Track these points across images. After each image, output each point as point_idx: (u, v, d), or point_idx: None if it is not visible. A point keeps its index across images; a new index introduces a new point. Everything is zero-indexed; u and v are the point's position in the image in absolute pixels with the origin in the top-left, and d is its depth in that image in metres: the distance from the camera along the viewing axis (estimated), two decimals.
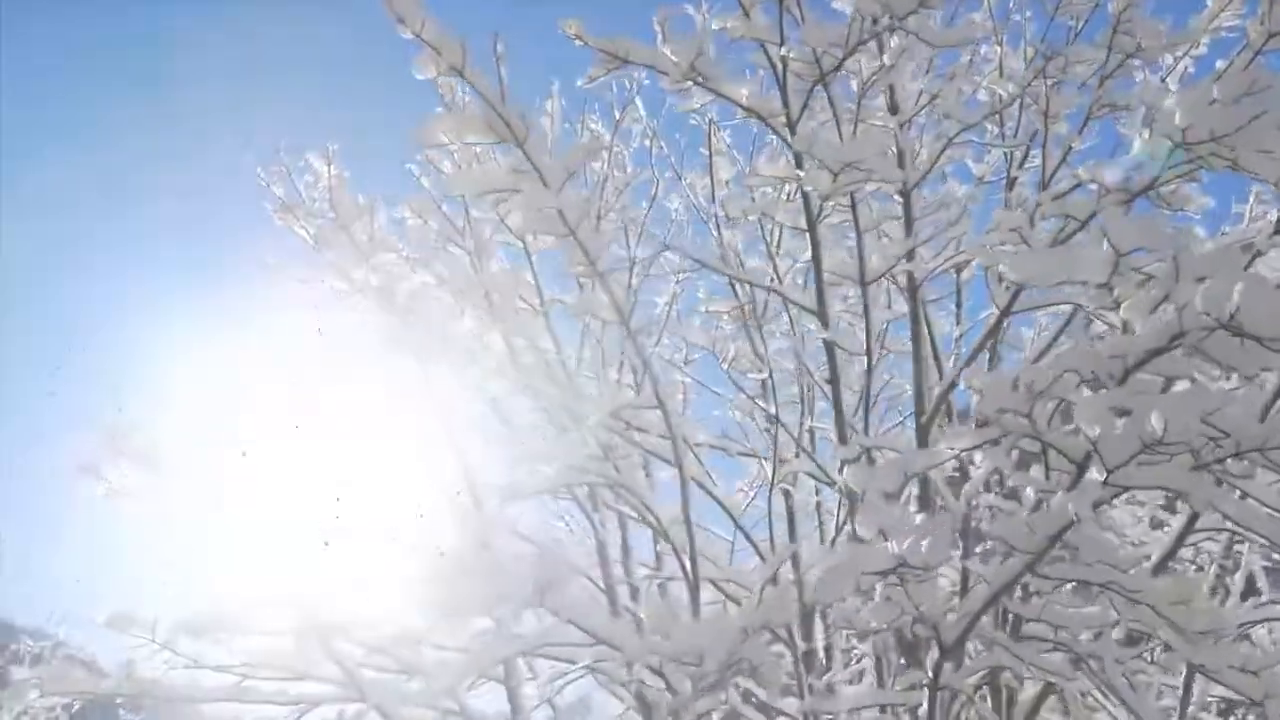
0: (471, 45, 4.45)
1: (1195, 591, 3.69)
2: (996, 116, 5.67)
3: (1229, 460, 3.14)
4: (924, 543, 3.40)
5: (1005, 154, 5.93)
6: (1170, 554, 4.67)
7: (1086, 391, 3.33)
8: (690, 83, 4.64)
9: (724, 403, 6.82)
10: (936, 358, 5.99)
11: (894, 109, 5.69)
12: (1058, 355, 3.54)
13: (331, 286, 6.13)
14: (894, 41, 4.76)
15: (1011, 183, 5.90)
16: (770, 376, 6.23)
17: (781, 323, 6.27)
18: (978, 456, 4.09)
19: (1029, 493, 4.59)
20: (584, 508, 5.97)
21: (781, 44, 4.74)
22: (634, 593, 5.95)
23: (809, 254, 5.22)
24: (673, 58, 4.57)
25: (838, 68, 4.72)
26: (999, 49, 5.78)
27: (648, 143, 7.00)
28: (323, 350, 6.02)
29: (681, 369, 6.92)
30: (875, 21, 4.46)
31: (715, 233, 6.21)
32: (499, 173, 4.93)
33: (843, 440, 5.54)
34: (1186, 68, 5.30)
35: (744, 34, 4.73)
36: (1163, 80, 5.25)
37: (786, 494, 6.24)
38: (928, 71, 5.66)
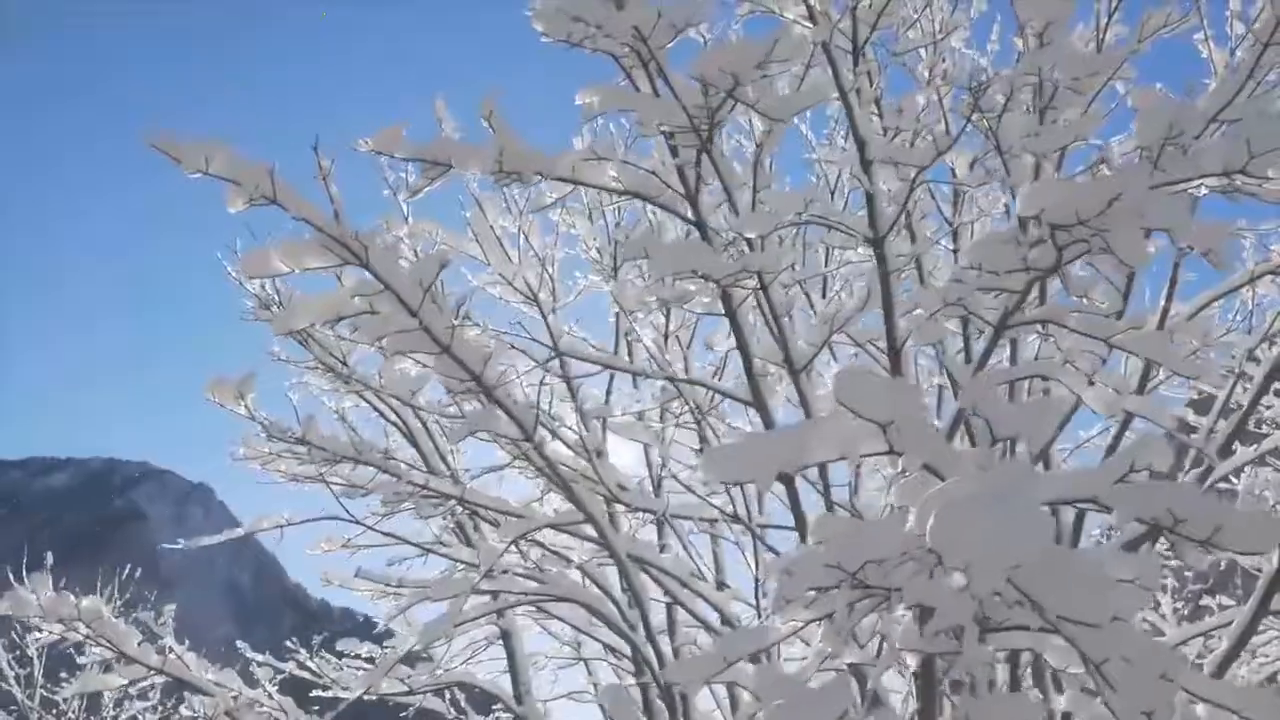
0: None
1: None
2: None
3: None
4: None
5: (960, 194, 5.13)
6: None
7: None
8: (512, 178, 3.90)
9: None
10: None
11: (861, 145, 4.99)
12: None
13: None
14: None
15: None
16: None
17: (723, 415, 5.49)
18: None
19: None
20: None
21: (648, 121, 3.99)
22: None
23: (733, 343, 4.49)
24: (495, 156, 3.83)
25: (709, 139, 3.95)
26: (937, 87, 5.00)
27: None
28: None
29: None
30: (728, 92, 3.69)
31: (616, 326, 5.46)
32: (343, 297, 4.25)
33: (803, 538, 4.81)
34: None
35: (600, 111, 3.99)
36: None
37: None
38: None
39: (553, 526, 4.77)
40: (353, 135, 4.16)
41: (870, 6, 5.05)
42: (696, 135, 3.98)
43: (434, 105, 6.84)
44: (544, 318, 6.94)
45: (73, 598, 4.65)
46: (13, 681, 11.52)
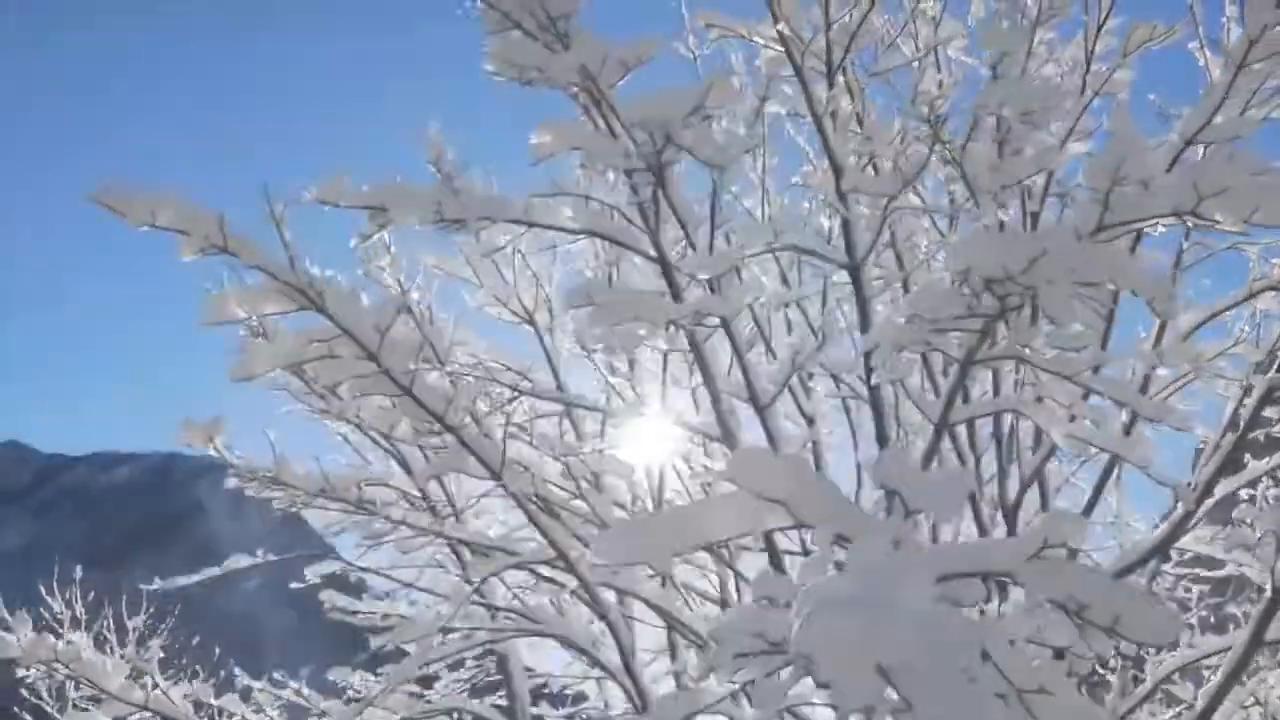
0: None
1: None
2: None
3: None
4: None
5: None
6: None
7: None
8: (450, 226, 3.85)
9: None
10: None
11: (837, 171, 4.92)
12: None
13: None
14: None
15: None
16: None
17: None
18: None
19: None
20: None
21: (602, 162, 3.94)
22: None
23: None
24: (434, 206, 3.78)
25: (661, 180, 3.89)
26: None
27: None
28: None
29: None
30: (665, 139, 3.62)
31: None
32: (302, 342, 4.23)
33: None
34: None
35: (552, 151, 3.94)
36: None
37: None
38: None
39: (520, 566, 4.74)
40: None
41: (844, 28, 4.97)
42: (650, 174, 3.92)
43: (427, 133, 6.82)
44: (540, 339, 6.91)
45: (51, 638, 4.70)
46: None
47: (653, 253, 4.30)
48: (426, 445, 5.57)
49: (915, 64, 5.22)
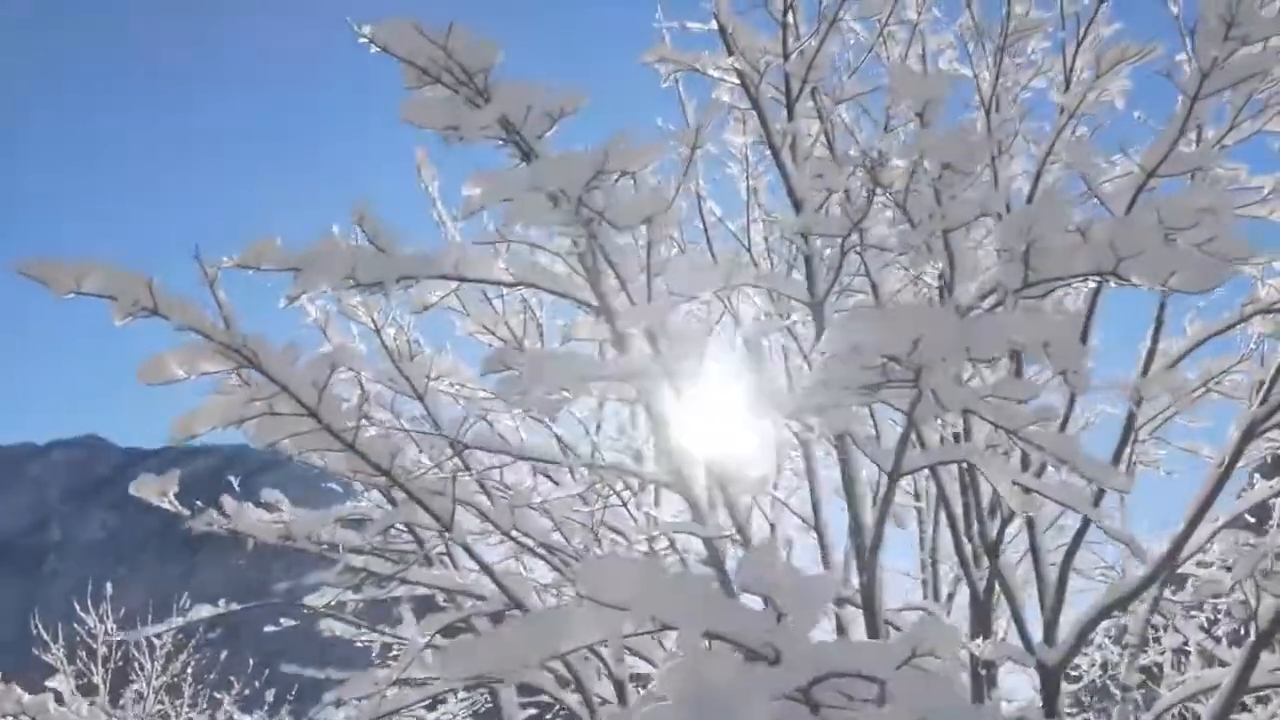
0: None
1: None
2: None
3: None
4: None
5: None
6: None
7: None
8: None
9: None
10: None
11: (797, 205, 4.80)
12: None
13: None
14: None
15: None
16: None
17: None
18: None
19: None
20: None
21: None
22: None
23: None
24: (346, 271, 3.72)
25: (592, 233, 3.79)
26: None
27: None
28: None
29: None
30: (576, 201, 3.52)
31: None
32: (242, 399, 4.20)
33: None
34: None
35: (483, 204, 3.86)
36: None
37: None
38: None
39: (468, 620, 4.68)
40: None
41: (803, 58, 4.83)
42: (579, 228, 3.82)
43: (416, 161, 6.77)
44: None
45: (18, 690, 4.74)
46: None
47: (594, 302, 4.21)
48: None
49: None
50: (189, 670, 12.85)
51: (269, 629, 5.87)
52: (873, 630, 4.73)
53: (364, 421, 4.24)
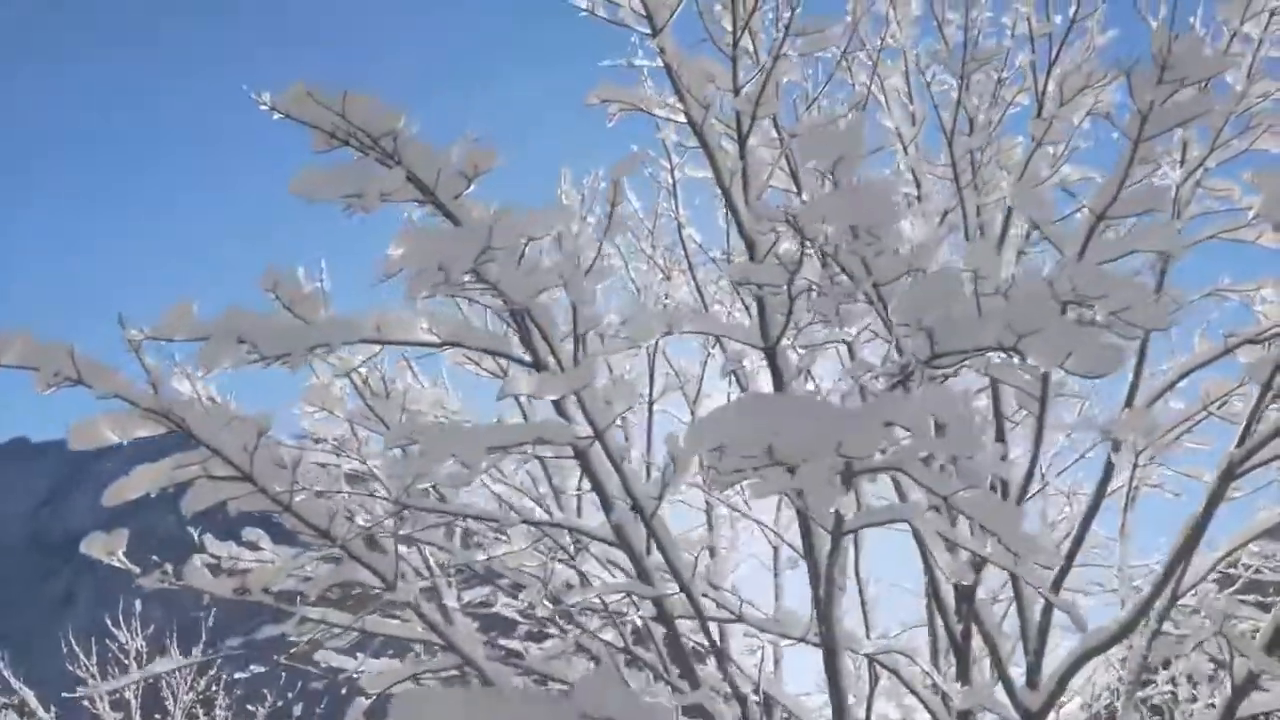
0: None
1: None
2: None
3: None
4: None
5: None
6: None
7: None
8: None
9: None
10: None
11: (750, 245, 4.68)
12: None
13: None
14: None
15: None
16: None
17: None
18: None
19: None
20: None
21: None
22: None
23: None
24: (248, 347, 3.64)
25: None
26: None
27: None
28: None
29: None
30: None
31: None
32: (175, 463, 4.16)
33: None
34: None
35: (404, 265, 3.76)
36: None
37: None
38: None
39: (416, 678, 4.61)
40: None
41: (750, 95, 4.68)
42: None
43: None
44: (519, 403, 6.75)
45: None
46: None
47: (527, 358, 4.12)
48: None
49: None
50: (217, 687, 13.01)
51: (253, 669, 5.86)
52: (833, 677, 4.61)
53: (295, 485, 4.18)
